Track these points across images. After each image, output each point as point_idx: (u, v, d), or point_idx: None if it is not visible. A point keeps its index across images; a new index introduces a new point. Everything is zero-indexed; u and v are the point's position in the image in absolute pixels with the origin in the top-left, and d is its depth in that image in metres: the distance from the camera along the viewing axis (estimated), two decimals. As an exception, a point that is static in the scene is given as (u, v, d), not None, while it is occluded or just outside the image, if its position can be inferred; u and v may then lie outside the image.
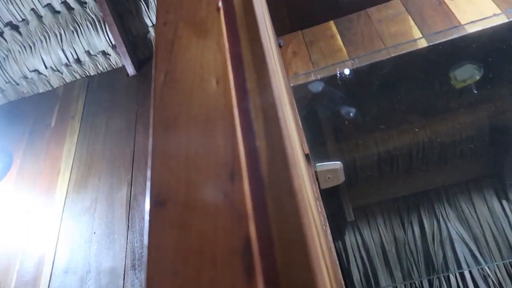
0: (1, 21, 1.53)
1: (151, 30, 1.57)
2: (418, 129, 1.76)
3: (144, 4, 1.50)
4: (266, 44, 0.54)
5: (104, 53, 1.61)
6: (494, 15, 1.25)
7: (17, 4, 1.50)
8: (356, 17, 1.44)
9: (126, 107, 1.48)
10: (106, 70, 1.66)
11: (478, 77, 1.63)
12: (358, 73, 1.40)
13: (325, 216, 1.18)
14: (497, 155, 1.77)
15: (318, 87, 1.70)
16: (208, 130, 0.45)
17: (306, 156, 1.36)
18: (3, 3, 1.49)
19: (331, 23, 1.46)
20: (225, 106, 0.47)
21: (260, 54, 0.52)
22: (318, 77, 1.40)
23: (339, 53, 1.39)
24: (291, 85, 1.42)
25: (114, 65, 1.65)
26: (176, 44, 0.55)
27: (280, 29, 1.50)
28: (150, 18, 1.54)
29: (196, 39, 0.54)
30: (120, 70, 1.63)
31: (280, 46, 1.43)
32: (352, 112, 1.79)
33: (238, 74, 0.49)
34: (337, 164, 1.23)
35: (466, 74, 1.63)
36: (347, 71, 1.39)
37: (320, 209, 1.17)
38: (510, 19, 1.25)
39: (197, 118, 0.47)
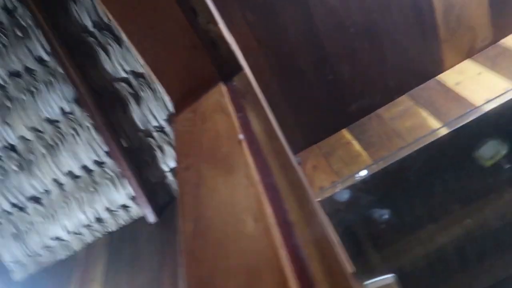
0: (24, 196, 1.55)
1: (168, 175, 1.57)
2: (463, 217, 1.62)
3: (160, 152, 1.54)
4: (297, 167, 0.48)
5: (124, 207, 1.59)
6: (507, 90, 1.24)
7: (39, 177, 1.54)
8: (368, 120, 1.44)
9: (150, 258, 1.40)
10: (127, 223, 1.62)
11: (504, 152, 1.56)
12: (385, 174, 1.34)
13: None
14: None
15: (344, 196, 1.62)
16: (251, 286, 0.37)
17: (353, 275, 1.21)
18: (25, 178, 1.54)
19: (344, 131, 1.46)
20: (269, 249, 0.39)
21: (295, 179, 0.46)
22: (345, 185, 1.34)
23: (359, 157, 1.36)
24: (318, 199, 1.36)
25: (135, 217, 1.62)
26: (202, 187, 0.50)
27: (295, 147, 1.49)
28: (166, 164, 1.56)
29: (223, 178, 0.49)
30: (142, 220, 1.59)
31: (299, 164, 1.41)
32: (385, 214, 1.67)
33: (276, 206, 0.43)
34: (388, 279, 1.07)
35: (491, 151, 1.57)
36: (371, 174, 1.33)
37: None
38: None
39: (237, 271, 0.38)
